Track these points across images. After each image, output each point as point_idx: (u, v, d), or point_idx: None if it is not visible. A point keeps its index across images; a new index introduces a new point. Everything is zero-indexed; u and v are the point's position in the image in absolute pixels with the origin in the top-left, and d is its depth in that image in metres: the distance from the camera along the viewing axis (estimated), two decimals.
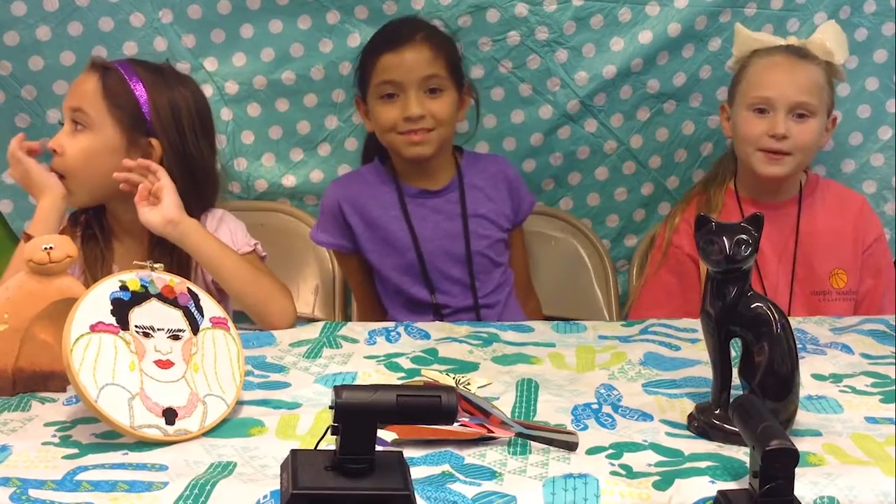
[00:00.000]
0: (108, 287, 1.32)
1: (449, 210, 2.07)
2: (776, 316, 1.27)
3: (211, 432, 1.28)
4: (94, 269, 1.79)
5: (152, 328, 1.33)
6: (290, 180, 2.29)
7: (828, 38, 2.08)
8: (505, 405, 1.37)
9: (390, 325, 1.75)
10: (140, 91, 1.79)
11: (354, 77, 2.09)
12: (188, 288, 1.40)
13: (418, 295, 2.05)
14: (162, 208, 1.72)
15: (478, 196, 2.09)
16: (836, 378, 1.52)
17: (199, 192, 1.84)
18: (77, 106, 1.79)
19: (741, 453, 1.21)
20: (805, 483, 1.11)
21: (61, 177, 1.80)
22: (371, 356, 1.59)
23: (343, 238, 2.07)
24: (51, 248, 1.40)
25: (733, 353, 1.31)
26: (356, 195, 2.06)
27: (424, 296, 2.05)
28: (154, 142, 1.80)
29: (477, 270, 2.06)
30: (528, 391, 1.44)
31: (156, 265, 1.39)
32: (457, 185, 2.08)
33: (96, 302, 1.30)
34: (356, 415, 0.96)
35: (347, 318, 2.27)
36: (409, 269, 2.05)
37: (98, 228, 1.83)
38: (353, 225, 2.05)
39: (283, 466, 0.99)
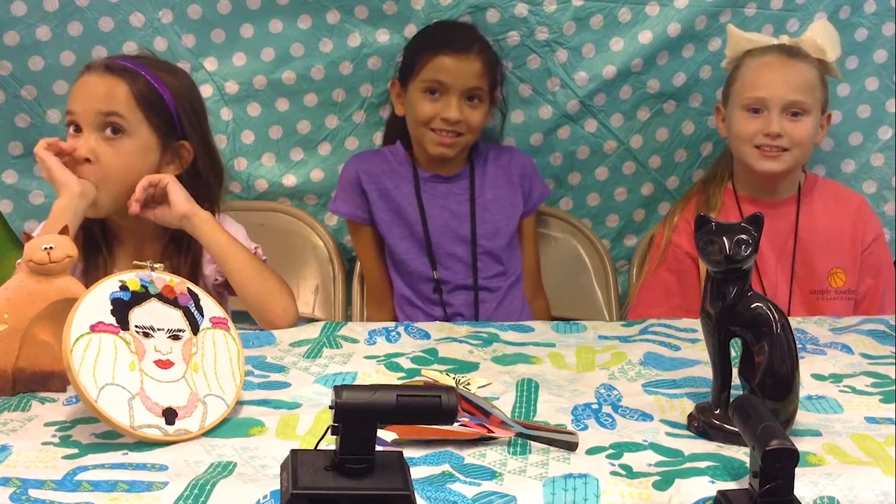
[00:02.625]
0: (108, 287, 1.32)
1: (458, 195, 2.18)
2: (776, 316, 1.27)
3: (211, 432, 1.28)
4: (95, 273, 1.78)
5: (152, 328, 1.33)
6: (290, 180, 2.28)
7: (819, 35, 2.09)
8: (505, 405, 1.38)
9: (390, 325, 1.75)
10: (166, 94, 1.78)
11: (399, 61, 2.18)
12: (188, 288, 1.40)
13: (420, 268, 2.15)
14: (173, 206, 1.74)
15: (488, 183, 2.19)
16: (836, 378, 1.52)
17: (220, 185, 1.88)
18: (113, 110, 1.74)
19: (741, 453, 1.21)
20: (805, 483, 1.11)
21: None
22: (371, 356, 1.59)
23: (359, 208, 2.17)
24: (51, 248, 1.40)
25: (733, 353, 1.31)
26: (373, 167, 2.18)
27: (427, 270, 2.15)
28: (186, 144, 1.81)
29: (480, 252, 2.16)
30: (528, 391, 1.44)
31: (156, 265, 1.39)
32: (468, 174, 2.19)
33: (96, 302, 1.30)
34: (356, 415, 0.96)
35: (347, 318, 2.27)
36: (415, 242, 2.16)
37: (99, 232, 1.83)
38: (368, 192, 2.15)
39: (283, 466, 0.99)
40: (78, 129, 1.76)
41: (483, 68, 2.10)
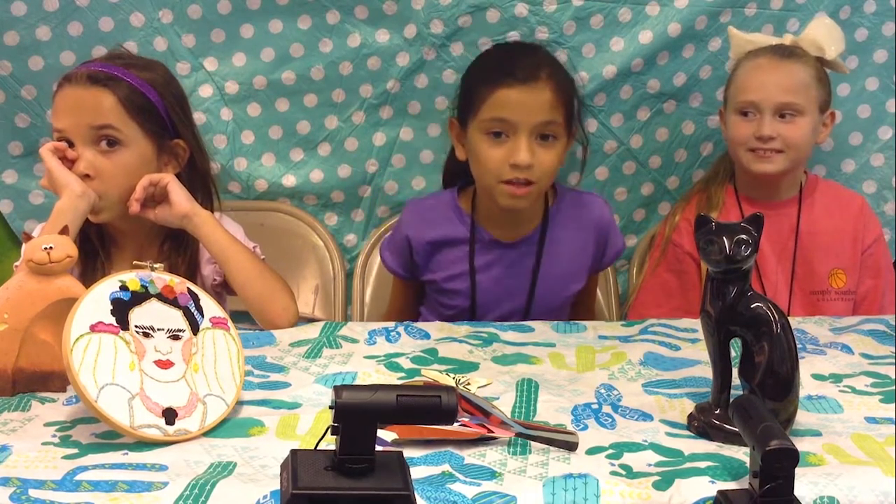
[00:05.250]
0: (108, 287, 1.32)
1: (519, 265, 1.95)
2: (776, 316, 1.27)
3: (211, 432, 1.28)
4: (92, 276, 1.77)
5: (152, 328, 1.33)
6: (290, 180, 2.28)
7: (819, 33, 2.08)
8: (505, 405, 1.38)
9: (390, 325, 1.75)
10: (153, 95, 1.77)
11: (455, 96, 1.99)
12: (188, 288, 1.40)
13: None
14: (174, 205, 1.74)
15: (557, 251, 1.95)
16: (836, 378, 1.52)
17: (212, 179, 1.87)
18: (105, 123, 1.72)
19: (741, 453, 1.21)
20: (805, 483, 1.11)
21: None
22: (371, 356, 1.59)
23: (404, 269, 2.02)
24: (51, 248, 1.40)
25: (733, 353, 1.31)
26: (426, 233, 1.97)
27: None
28: (181, 142, 1.81)
29: None
30: (528, 391, 1.44)
31: (156, 265, 1.39)
32: (537, 238, 1.95)
33: (96, 302, 1.30)
34: (356, 415, 0.96)
35: (347, 318, 2.27)
36: (461, 312, 1.97)
37: (96, 235, 1.82)
38: (418, 262, 1.98)
39: (283, 466, 0.99)
40: (70, 144, 1.74)
41: (555, 97, 1.82)
